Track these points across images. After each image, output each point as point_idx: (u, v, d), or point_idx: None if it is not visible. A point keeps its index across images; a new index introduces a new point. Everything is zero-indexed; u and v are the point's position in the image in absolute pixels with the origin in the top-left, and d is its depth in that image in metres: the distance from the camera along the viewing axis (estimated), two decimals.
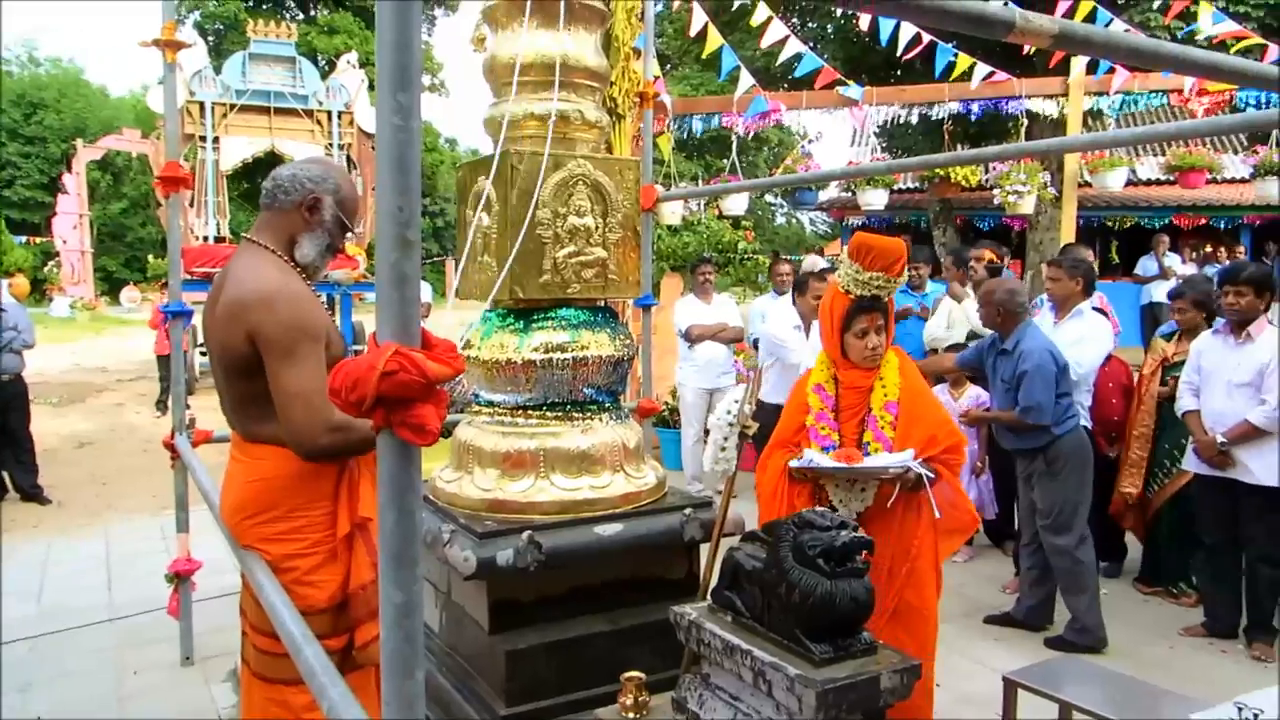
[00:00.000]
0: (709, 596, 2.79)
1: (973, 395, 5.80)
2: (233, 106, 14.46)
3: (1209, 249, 14.28)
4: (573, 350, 3.32)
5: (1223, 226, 16.04)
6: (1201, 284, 5.47)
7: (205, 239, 14.33)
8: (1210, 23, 8.51)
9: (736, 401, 3.23)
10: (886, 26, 8.48)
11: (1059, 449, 4.62)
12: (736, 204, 10.11)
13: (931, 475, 3.02)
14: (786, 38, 8.47)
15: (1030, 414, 4.58)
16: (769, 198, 34.52)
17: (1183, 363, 5.00)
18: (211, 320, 2.53)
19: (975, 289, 6.35)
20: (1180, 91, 8.98)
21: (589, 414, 3.41)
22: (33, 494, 7.47)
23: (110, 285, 35.71)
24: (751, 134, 9.80)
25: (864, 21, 9.13)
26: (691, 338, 7.15)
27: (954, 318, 6.27)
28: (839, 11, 11.96)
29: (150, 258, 25.90)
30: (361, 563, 2.54)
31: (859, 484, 3.09)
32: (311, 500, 2.52)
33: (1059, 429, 4.59)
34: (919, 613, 3.07)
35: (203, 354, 11.91)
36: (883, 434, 3.09)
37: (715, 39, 8.21)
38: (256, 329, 2.36)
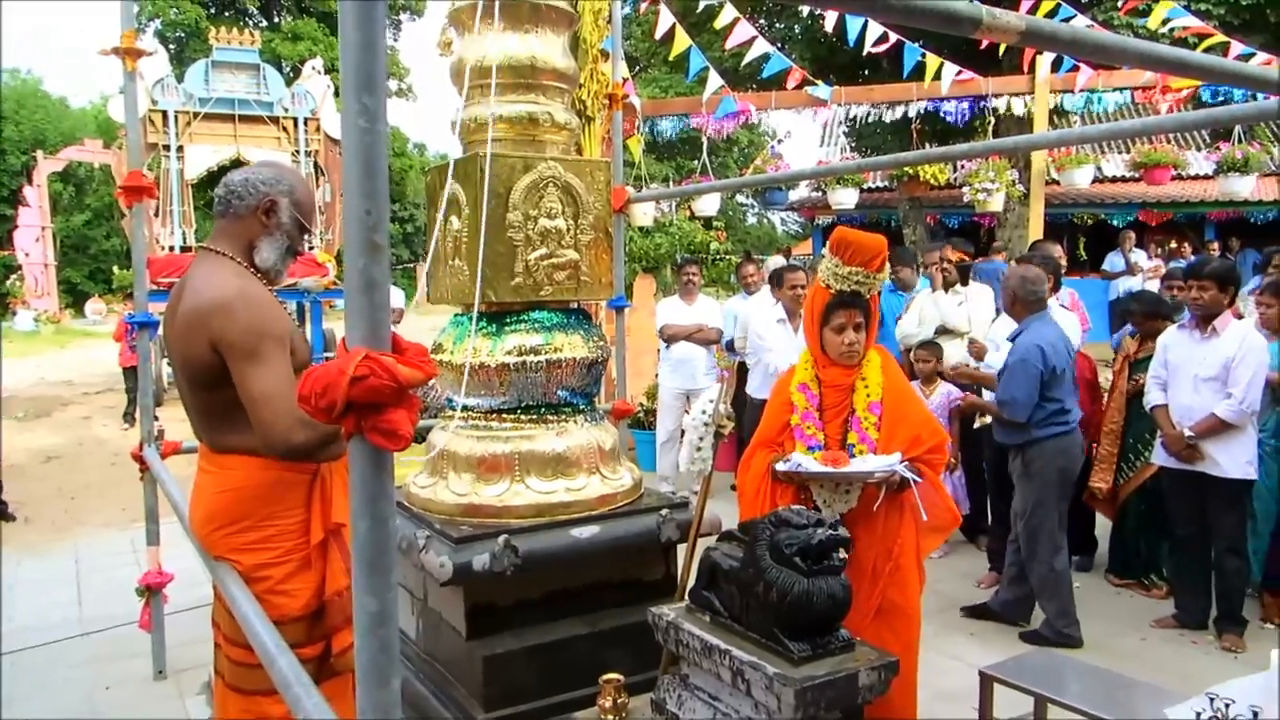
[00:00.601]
0: (687, 597, 2.79)
1: (944, 391, 5.83)
2: (196, 115, 14.30)
3: (1174, 244, 14.47)
4: (546, 353, 3.31)
5: (1185, 221, 16.24)
6: (1147, 296, 5.57)
7: (171, 249, 14.16)
8: (1161, 18, 8.62)
9: (711, 401, 3.22)
10: (854, 26, 8.54)
11: (1035, 453, 4.62)
12: (708, 205, 10.14)
13: (917, 479, 3.00)
14: (754, 38, 8.51)
15: (1005, 408, 4.59)
16: (740, 198, 34.62)
17: (1147, 359, 5.06)
18: (172, 332, 2.50)
19: (946, 288, 6.40)
20: (1145, 89, 9.09)
21: (563, 416, 3.40)
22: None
23: (74, 298, 35.20)
24: (723, 135, 9.83)
25: (830, 21, 9.18)
26: (665, 336, 7.17)
27: (925, 314, 6.31)
28: (806, 11, 12.02)
29: (115, 269, 25.54)
30: (336, 569, 2.52)
31: (844, 486, 3.06)
32: (283, 509, 2.50)
33: (1040, 431, 4.58)
34: (903, 611, 3.07)
35: (170, 365, 11.77)
36: (867, 435, 3.07)
37: (683, 40, 8.23)
38: (219, 336, 2.34)
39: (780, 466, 3.05)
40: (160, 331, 3.15)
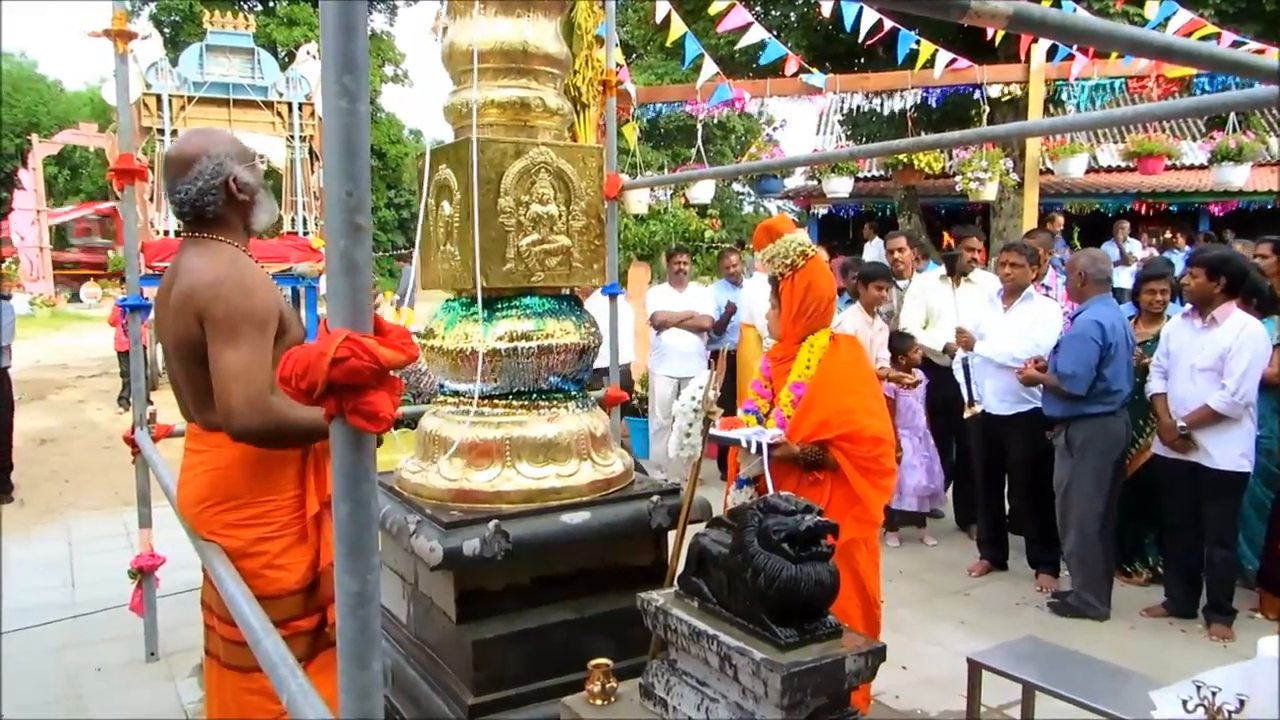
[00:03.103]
0: (676, 583, 2.79)
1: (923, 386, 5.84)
2: (190, 99, 14.23)
3: (1168, 235, 14.45)
4: (537, 339, 3.30)
5: (1180, 212, 16.21)
6: (1162, 266, 5.58)
7: (166, 233, 14.11)
8: (1156, 12, 8.60)
9: (701, 388, 3.24)
10: (850, 14, 8.51)
11: (1078, 428, 4.74)
12: (703, 193, 10.12)
13: (756, 455, 3.10)
14: (749, 25, 8.48)
15: (1066, 381, 4.69)
16: (735, 186, 34.51)
17: (1140, 345, 5.07)
18: (165, 312, 2.51)
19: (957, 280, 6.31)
20: (1138, 78, 9.08)
21: (555, 402, 3.40)
22: (4, 490, 7.37)
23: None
24: (716, 119, 9.84)
25: (826, 8, 9.15)
26: (656, 324, 7.19)
27: (932, 307, 6.18)
28: None
29: (110, 253, 25.48)
30: (332, 540, 2.53)
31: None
32: (277, 485, 2.53)
33: (1087, 407, 4.69)
34: None
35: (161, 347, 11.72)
36: (780, 411, 3.23)
37: (679, 27, 8.20)
38: (203, 311, 2.36)
39: None
40: (152, 314, 3.15)
